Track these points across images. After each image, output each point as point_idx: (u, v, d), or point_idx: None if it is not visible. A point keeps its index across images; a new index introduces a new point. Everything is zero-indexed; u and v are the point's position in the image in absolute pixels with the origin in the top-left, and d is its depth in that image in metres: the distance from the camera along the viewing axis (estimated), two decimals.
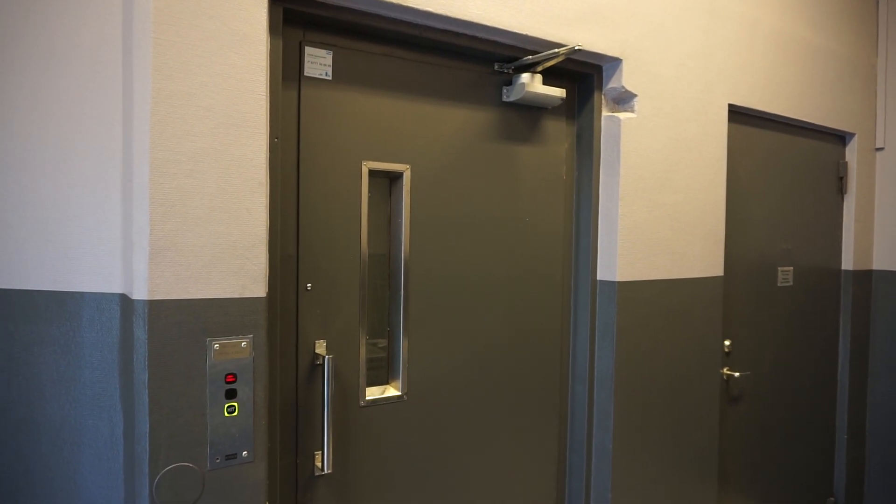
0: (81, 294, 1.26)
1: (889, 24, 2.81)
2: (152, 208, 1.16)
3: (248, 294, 1.27)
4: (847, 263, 2.81)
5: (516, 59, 1.75)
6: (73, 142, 1.25)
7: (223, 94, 1.23)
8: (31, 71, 1.24)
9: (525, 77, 1.73)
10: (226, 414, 1.25)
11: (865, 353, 2.89)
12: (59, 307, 1.26)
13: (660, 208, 1.97)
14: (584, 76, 1.91)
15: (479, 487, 1.82)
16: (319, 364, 1.51)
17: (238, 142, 1.25)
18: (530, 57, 1.72)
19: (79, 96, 1.24)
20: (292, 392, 1.49)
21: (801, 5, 2.45)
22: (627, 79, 1.86)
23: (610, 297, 1.89)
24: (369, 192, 1.59)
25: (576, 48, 1.63)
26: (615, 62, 1.86)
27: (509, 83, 1.79)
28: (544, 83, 1.78)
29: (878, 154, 2.86)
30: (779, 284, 2.56)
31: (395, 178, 1.66)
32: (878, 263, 2.87)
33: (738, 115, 2.30)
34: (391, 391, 1.66)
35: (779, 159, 2.52)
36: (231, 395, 1.26)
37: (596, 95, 1.90)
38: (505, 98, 1.79)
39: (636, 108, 1.89)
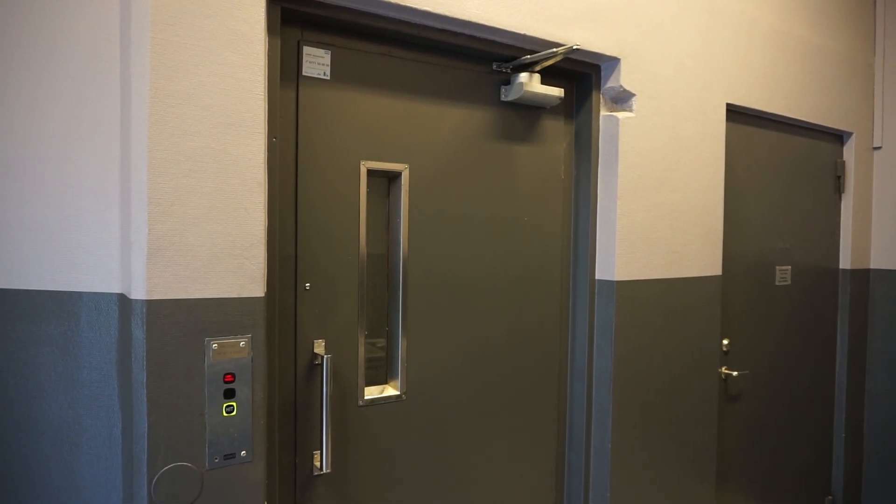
0: (80, 294, 1.26)
1: (886, 23, 2.82)
2: (150, 208, 1.16)
3: (246, 294, 1.27)
4: (845, 262, 2.81)
5: (514, 58, 1.75)
6: (71, 141, 1.25)
7: (221, 94, 1.23)
8: (29, 71, 1.24)
9: (523, 76, 1.73)
10: (224, 413, 1.25)
11: (863, 352, 2.89)
12: (58, 307, 1.26)
13: (658, 208, 1.97)
14: (582, 75, 1.91)
15: (479, 486, 1.82)
16: (318, 364, 1.52)
17: (236, 141, 1.25)
18: (528, 56, 1.72)
19: (77, 96, 1.24)
20: (291, 392, 1.49)
21: (800, 5, 2.46)
22: (626, 78, 1.86)
23: (608, 296, 1.89)
24: (368, 191, 1.59)
25: (574, 47, 1.63)
26: (613, 61, 1.86)
27: (507, 83, 1.79)
28: (542, 83, 1.78)
29: (876, 153, 2.87)
30: (777, 283, 2.57)
31: (393, 177, 1.66)
32: (876, 262, 2.87)
33: (736, 114, 2.30)
34: (390, 391, 1.66)
35: (777, 158, 2.52)
36: (229, 394, 1.26)
37: (594, 95, 1.90)
38: (503, 97, 1.79)
39: (634, 107, 1.89)
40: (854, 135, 2.76)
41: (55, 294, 1.26)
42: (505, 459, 1.87)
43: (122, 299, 1.24)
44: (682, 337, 2.07)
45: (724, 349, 2.36)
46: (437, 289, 1.71)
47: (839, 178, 2.78)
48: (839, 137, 2.79)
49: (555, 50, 1.66)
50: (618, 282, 1.87)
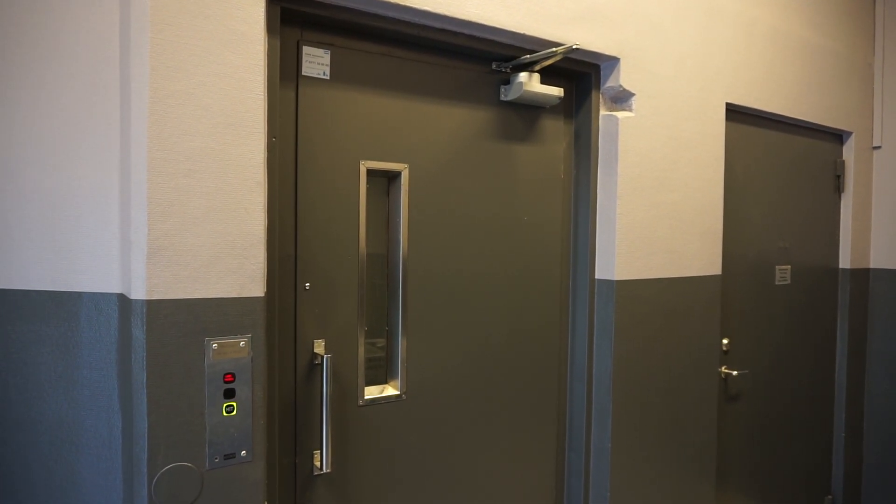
0: (80, 294, 1.26)
1: (886, 22, 2.82)
2: (150, 208, 1.16)
3: (246, 294, 1.27)
4: (844, 262, 2.81)
5: (514, 58, 1.75)
6: (71, 141, 1.25)
7: (221, 94, 1.23)
8: (29, 70, 1.24)
9: (523, 76, 1.73)
10: (224, 413, 1.25)
11: (863, 352, 2.90)
12: (58, 307, 1.26)
13: (658, 207, 1.97)
14: (581, 75, 1.91)
15: (479, 486, 1.82)
16: (318, 363, 1.52)
17: (236, 141, 1.25)
18: (528, 56, 1.72)
19: (77, 96, 1.24)
20: (291, 391, 1.49)
21: (799, 4, 2.46)
22: (625, 78, 1.86)
23: (608, 295, 1.89)
24: (367, 191, 1.59)
25: (573, 47, 1.63)
26: (613, 61, 1.86)
27: (507, 82, 1.79)
28: (542, 82, 1.78)
29: (875, 152, 2.87)
30: (776, 283, 2.57)
31: (393, 177, 1.66)
32: (876, 262, 2.87)
33: (735, 113, 2.30)
34: (390, 390, 1.66)
35: (776, 158, 2.52)
36: (229, 394, 1.26)
37: (594, 94, 1.90)
38: (503, 97, 1.79)
39: (634, 106, 1.89)
40: (854, 134, 2.76)
41: (55, 294, 1.26)
42: (505, 459, 1.87)
43: (122, 299, 1.24)
44: (682, 336, 2.08)
45: (724, 349, 2.36)
46: (437, 288, 1.71)
47: (839, 177, 2.78)
48: (839, 137, 2.79)
49: (554, 49, 1.66)
50: (617, 281, 1.88)
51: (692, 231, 2.08)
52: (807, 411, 2.73)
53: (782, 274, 2.58)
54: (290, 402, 1.49)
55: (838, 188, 2.79)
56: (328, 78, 1.51)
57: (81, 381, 1.26)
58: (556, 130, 1.93)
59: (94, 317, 1.26)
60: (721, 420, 2.34)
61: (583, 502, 1.95)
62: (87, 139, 1.25)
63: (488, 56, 1.74)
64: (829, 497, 2.86)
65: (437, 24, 1.57)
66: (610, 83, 1.88)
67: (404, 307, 1.65)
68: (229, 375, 1.25)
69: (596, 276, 1.93)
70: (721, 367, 2.35)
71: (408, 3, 1.45)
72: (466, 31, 1.62)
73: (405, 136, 1.64)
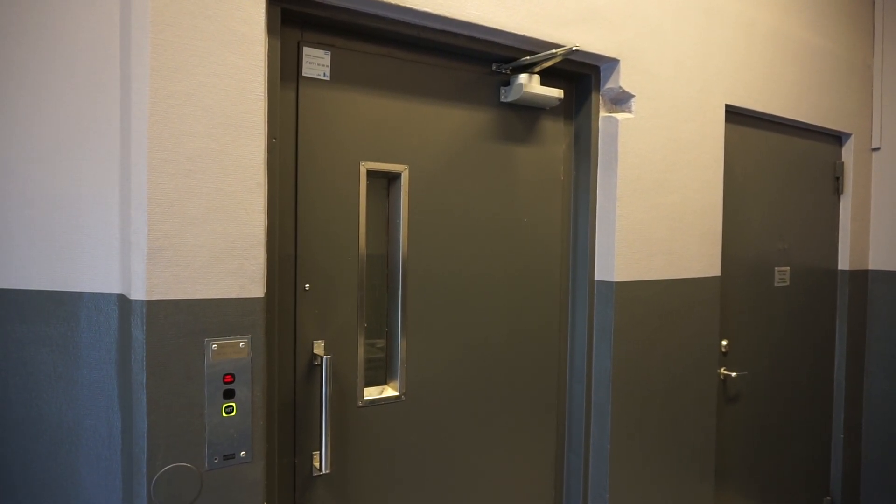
0: (79, 294, 1.26)
1: (885, 24, 2.82)
2: (150, 208, 1.17)
3: (246, 294, 1.28)
4: (843, 263, 2.82)
5: (514, 59, 1.75)
6: (71, 142, 1.25)
7: (221, 95, 1.23)
8: (29, 71, 1.24)
9: (523, 77, 1.73)
10: (224, 414, 1.25)
11: (862, 353, 2.90)
12: (57, 307, 1.26)
13: (657, 208, 1.97)
14: (581, 77, 1.92)
15: (478, 487, 1.82)
16: (318, 364, 1.52)
17: (236, 142, 1.25)
18: (528, 57, 1.72)
19: (77, 96, 1.24)
20: (290, 392, 1.49)
21: (799, 6, 2.46)
22: (625, 79, 1.86)
23: (607, 297, 1.89)
24: (367, 192, 1.59)
25: (573, 49, 1.63)
26: (612, 62, 1.87)
27: (507, 84, 1.79)
28: (542, 84, 1.79)
29: (875, 154, 2.87)
30: (776, 284, 2.57)
31: (393, 178, 1.66)
32: (875, 263, 2.88)
33: (735, 115, 2.30)
34: (389, 391, 1.66)
35: (776, 159, 2.52)
36: (229, 395, 1.26)
37: (593, 96, 1.90)
38: (503, 98, 1.80)
39: (634, 108, 1.90)
40: (853, 136, 2.77)
41: (55, 294, 1.26)
42: (504, 459, 1.87)
43: (122, 300, 1.24)
44: (682, 338, 2.08)
45: (723, 350, 2.37)
46: (437, 289, 1.71)
47: (838, 179, 2.79)
48: (838, 138, 2.79)
49: (554, 51, 1.66)
50: (617, 282, 1.88)
51: (692, 232, 2.08)
52: (806, 412, 2.73)
53: (781, 275, 2.59)
54: (290, 402, 1.49)
55: (837, 190, 2.80)
56: (328, 79, 1.51)
57: (81, 381, 1.26)
58: (555, 132, 1.93)
59: (94, 317, 1.26)
60: (720, 421, 2.34)
61: (582, 503, 1.96)
62: (88, 139, 1.25)
63: (488, 57, 1.75)
64: (828, 498, 2.87)
65: (438, 26, 1.57)
66: (610, 85, 1.88)
67: (404, 308, 1.66)
68: (229, 376, 1.26)
69: (595, 278, 1.93)
70: (720, 369, 2.35)
71: (408, 5, 1.45)
72: (466, 33, 1.62)
73: (405, 137, 1.64)
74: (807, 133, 2.64)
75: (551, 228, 1.94)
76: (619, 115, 1.88)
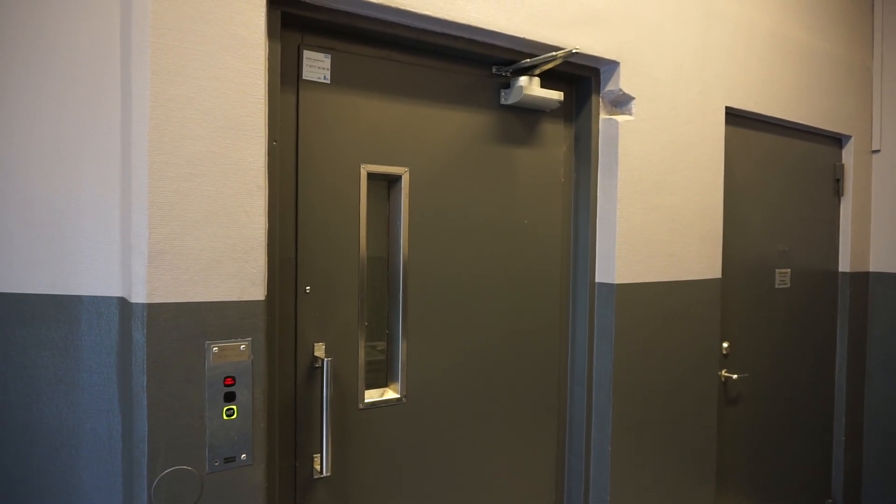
0: (80, 297, 1.26)
1: (884, 26, 2.83)
2: (151, 211, 1.17)
3: (246, 297, 1.28)
4: (844, 265, 2.81)
5: (514, 62, 1.75)
6: (72, 145, 1.25)
7: (221, 98, 1.24)
8: (30, 74, 1.24)
9: (523, 80, 1.73)
10: (224, 417, 1.25)
11: (863, 355, 2.90)
12: (58, 310, 1.26)
13: (657, 210, 1.97)
14: (581, 79, 1.92)
15: (479, 489, 1.82)
16: (318, 367, 1.52)
17: (236, 145, 1.26)
18: (528, 60, 1.72)
19: (78, 100, 1.25)
20: (291, 395, 1.49)
21: (798, 8, 2.47)
22: (625, 81, 1.87)
23: (608, 299, 1.89)
24: (368, 194, 1.60)
25: (573, 51, 1.64)
26: (612, 65, 1.87)
27: (507, 86, 1.80)
28: (542, 86, 1.79)
29: (875, 156, 2.87)
30: (776, 286, 2.57)
31: (393, 181, 1.66)
32: (875, 265, 2.88)
33: (735, 117, 2.31)
34: (390, 394, 1.66)
35: (776, 162, 2.52)
36: (230, 397, 1.26)
37: (594, 98, 1.90)
38: (503, 101, 1.80)
39: (634, 110, 1.90)
40: (853, 138, 2.77)
41: (55, 298, 1.26)
42: (505, 462, 1.87)
43: (123, 303, 1.24)
44: (682, 340, 2.08)
45: (724, 352, 2.36)
46: (438, 292, 1.71)
47: (838, 181, 2.79)
48: (838, 141, 2.79)
49: (554, 54, 1.66)
50: (617, 285, 1.88)
51: (692, 234, 2.08)
52: (807, 414, 2.73)
53: (782, 277, 2.59)
54: (291, 405, 1.49)
55: (838, 192, 2.80)
56: (329, 82, 1.51)
57: (82, 384, 1.26)
58: (556, 134, 1.93)
59: (95, 320, 1.26)
60: (721, 423, 2.34)
61: None
62: (89, 143, 1.25)
63: (488, 60, 1.75)
64: (830, 500, 2.86)
65: (437, 28, 1.57)
66: (610, 87, 1.89)
67: (405, 311, 1.66)
68: (229, 379, 1.26)
69: (596, 280, 1.93)
70: (721, 371, 2.35)
71: (408, 8, 1.45)
72: (466, 35, 1.62)
73: (405, 139, 1.64)
74: (807, 135, 2.64)
75: (552, 230, 1.94)
76: (620, 118, 1.88)
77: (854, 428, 2.87)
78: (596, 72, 1.90)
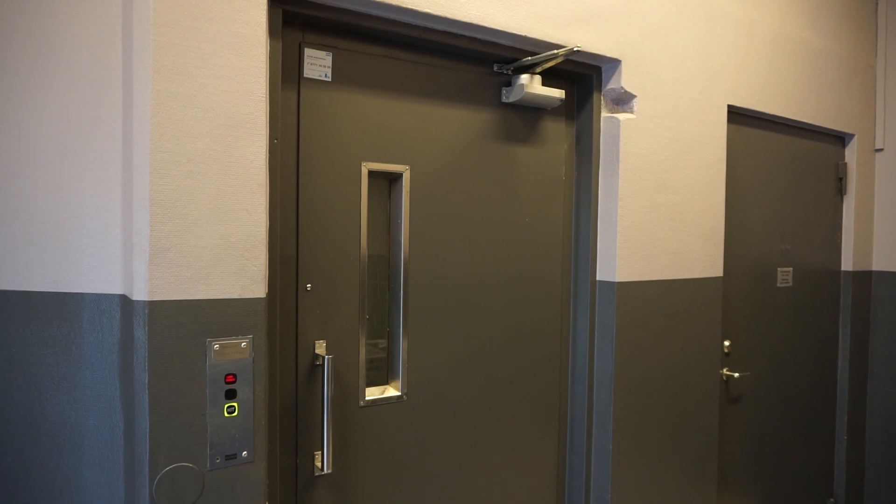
0: (82, 295, 1.26)
1: (888, 25, 2.82)
2: (152, 209, 1.17)
3: (247, 295, 1.28)
4: (847, 264, 2.81)
5: (515, 60, 1.75)
6: (73, 143, 1.25)
7: (223, 96, 1.24)
8: (31, 73, 1.25)
9: (524, 78, 1.73)
10: (226, 414, 1.26)
11: (865, 354, 2.89)
12: (60, 308, 1.26)
13: (659, 209, 1.97)
14: (583, 77, 1.92)
15: (479, 487, 1.82)
16: (319, 364, 1.52)
17: (238, 143, 1.26)
18: (529, 58, 1.72)
19: (79, 98, 1.25)
20: (292, 392, 1.50)
21: (801, 7, 2.46)
22: (627, 80, 1.86)
23: (609, 297, 1.89)
24: (369, 192, 1.60)
25: (575, 49, 1.63)
26: (614, 63, 1.87)
27: (508, 84, 1.80)
28: (543, 84, 1.79)
29: (878, 155, 2.86)
30: (778, 285, 2.56)
31: (394, 178, 1.66)
32: (878, 264, 2.87)
33: (737, 115, 2.30)
34: (391, 391, 1.66)
35: (778, 160, 2.52)
36: (231, 395, 1.26)
37: (595, 96, 1.90)
38: (504, 99, 1.80)
39: (635, 108, 1.90)
40: (856, 137, 2.76)
41: (57, 295, 1.26)
42: (506, 460, 1.87)
43: (124, 300, 1.24)
44: (684, 338, 2.07)
45: (726, 351, 2.36)
46: (438, 290, 1.71)
47: (841, 179, 2.78)
48: (841, 139, 2.78)
49: (556, 52, 1.66)
50: (619, 283, 1.88)
51: (694, 233, 2.08)
52: (809, 413, 2.73)
53: (784, 276, 2.58)
54: (291, 402, 1.50)
55: (840, 190, 2.79)
56: (330, 80, 1.52)
57: (83, 381, 1.27)
58: (557, 132, 1.93)
59: (97, 318, 1.26)
60: (722, 422, 2.33)
61: None
62: (91, 142, 1.25)
63: (489, 58, 1.75)
64: (832, 500, 2.86)
65: (439, 27, 1.57)
66: (611, 85, 1.88)
67: (405, 308, 1.66)
68: (231, 376, 1.26)
69: (597, 278, 1.93)
70: (722, 369, 2.34)
71: (409, 6, 1.45)
72: (468, 34, 1.62)
73: (407, 137, 1.64)
74: (809, 134, 2.64)
75: (553, 229, 1.94)
76: (621, 116, 1.88)
77: (856, 427, 2.87)
78: (597, 70, 1.90)
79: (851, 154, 2.78)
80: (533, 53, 1.73)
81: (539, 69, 1.75)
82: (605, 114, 1.91)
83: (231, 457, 1.27)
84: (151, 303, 1.17)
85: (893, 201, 2.81)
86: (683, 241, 2.05)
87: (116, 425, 1.27)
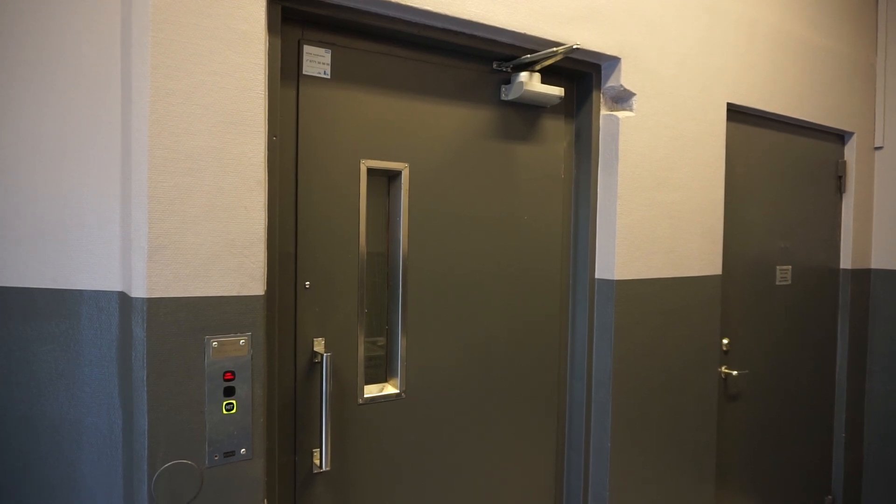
0: (80, 292, 1.26)
1: (888, 23, 2.81)
2: (151, 206, 1.17)
3: (246, 292, 1.28)
4: (845, 262, 2.81)
5: (515, 57, 1.75)
6: (71, 140, 1.25)
7: (222, 93, 1.24)
8: (30, 70, 1.25)
9: (523, 76, 1.73)
10: (224, 411, 1.26)
11: (863, 352, 2.89)
12: (58, 305, 1.26)
13: (658, 207, 1.97)
14: (582, 75, 1.91)
15: (478, 484, 1.82)
16: (318, 362, 1.52)
17: (236, 140, 1.26)
18: (529, 56, 1.72)
19: (78, 95, 1.25)
20: (291, 390, 1.50)
21: (801, 4, 2.45)
22: (626, 77, 1.86)
23: (608, 295, 1.89)
24: (368, 190, 1.60)
25: (574, 47, 1.63)
26: (614, 61, 1.86)
27: (508, 82, 1.79)
28: (543, 82, 1.79)
29: (877, 153, 2.86)
30: (777, 283, 2.56)
31: (393, 176, 1.66)
32: (877, 262, 2.87)
33: (736, 113, 2.30)
34: (389, 389, 1.66)
35: (778, 158, 2.52)
36: (229, 392, 1.26)
37: (594, 94, 1.90)
38: (503, 97, 1.79)
39: (635, 106, 1.89)
40: (855, 135, 2.76)
41: (56, 292, 1.26)
42: (504, 458, 1.87)
43: (123, 297, 1.24)
44: (682, 336, 2.08)
45: (724, 348, 2.36)
46: (437, 287, 1.71)
47: (840, 177, 2.78)
48: (840, 137, 2.78)
49: (555, 49, 1.66)
50: (617, 281, 1.88)
51: (693, 231, 2.08)
52: (807, 411, 2.73)
53: (783, 274, 2.58)
54: (290, 400, 1.50)
55: (840, 188, 2.79)
56: (329, 77, 1.51)
57: (82, 378, 1.27)
58: (556, 130, 1.93)
59: (95, 315, 1.26)
60: (721, 420, 2.34)
61: (582, 501, 1.96)
62: (89, 138, 1.25)
63: (489, 55, 1.75)
64: (830, 497, 2.86)
65: (438, 24, 1.57)
66: (611, 83, 1.88)
67: (404, 306, 1.66)
68: (229, 373, 1.26)
69: (596, 276, 1.93)
70: (721, 367, 2.35)
71: (409, 3, 1.45)
72: (467, 31, 1.62)
73: (406, 135, 1.64)
74: (809, 132, 2.63)
75: (552, 226, 1.94)
76: (620, 114, 1.87)
77: (854, 425, 2.88)
78: (597, 67, 1.90)
79: (851, 152, 2.78)
80: (532, 51, 1.73)
81: (538, 67, 1.75)
82: (604, 112, 1.91)
83: (229, 454, 1.27)
84: (150, 300, 1.17)
85: (892, 199, 2.81)
86: (682, 238, 2.05)
87: (115, 422, 1.27)
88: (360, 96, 1.56)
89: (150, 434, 1.18)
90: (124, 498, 1.27)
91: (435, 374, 1.72)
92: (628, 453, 1.95)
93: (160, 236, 1.18)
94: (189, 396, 1.22)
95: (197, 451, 1.24)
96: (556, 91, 1.76)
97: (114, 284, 1.26)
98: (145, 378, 1.17)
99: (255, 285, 1.29)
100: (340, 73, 1.53)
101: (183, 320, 1.21)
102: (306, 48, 1.48)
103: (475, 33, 1.64)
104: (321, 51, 1.50)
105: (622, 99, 1.92)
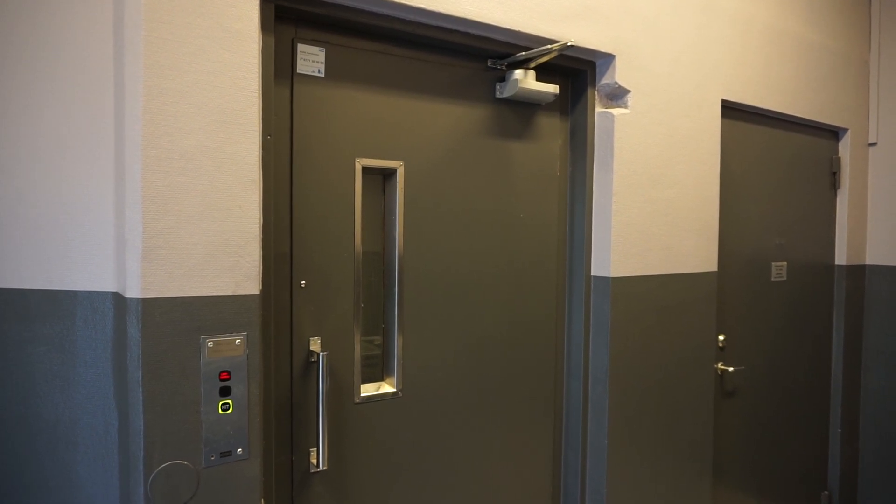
0: (75, 293, 1.26)
1: (881, 19, 2.82)
2: (145, 206, 1.16)
3: (241, 291, 1.28)
4: (840, 258, 2.82)
5: (509, 55, 1.75)
6: (65, 140, 1.25)
7: (215, 92, 1.23)
8: (23, 69, 1.24)
9: (518, 73, 1.73)
10: (220, 411, 1.26)
11: (859, 348, 2.90)
12: (53, 306, 1.26)
13: (653, 204, 1.97)
14: (577, 72, 1.91)
15: (475, 483, 1.82)
16: (314, 361, 1.52)
17: (231, 139, 1.25)
18: (523, 53, 1.72)
19: (71, 94, 1.24)
20: (287, 389, 1.49)
21: (795, 2, 2.46)
22: (621, 75, 1.86)
23: (604, 292, 1.90)
24: (363, 188, 1.59)
25: (568, 44, 1.63)
26: (608, 58, 1.87)
27: (502, 79, 1.79)
28: (537, 79, 1.79)
29: (871, 149, 2.87)
30: (772, 279, 2.57)
31: (388, 174, 1.66)
32: (872, 258, 2.88)
33: (731, 110, 2.30)
34: (386, 388, 1.66)
35: (772, 155, 2.52)
36: (225, 392, 1.26)
37: (589, 91, 1.90)
38: (498, 94, 1.79)
39: (629, 103, 1.90)
40: (849, 131, 2.77)
41: (50, 293, 1.26)
42: (501, 456, 1.87)
43: (118, 298, 1.24)
44: (678, 333, 2.08)
45: (720, 345, 2.37)
46: (433, 286, 1.71)
47: (834, 174, 2.79)
48: (834, 134, 2.79)
49: (549, 47, 1.66)
50: (613, 278, 1.88)
51: (688, 228, 2.09)
52: (803, 407, 2.74)
53: (778, 270, 2.59)
54: (287, 399, 1.49)
55: (834, 185, 2.80)
56: (323, 76, 1.51)
57: (77, 379, 1.27)
58: (551, 127, 1.93)
59: (90, 315, 1.26)
60: (717, 416, 2.34)
61: (579, 499, 1.96)
62: (82, 137, 1.25)
63: (483, 53, 1.74)
64: (826, 493, 2.88)
65: (433, 22, 1.57)
66: (605, 80, 1.88)
67: (400, 304, 1.66)
68: (225, 373, 1.26)
69: (592, 273, 1.93)
70: (717, 364, 2.35)
71: (403, 1, 1.45)
72: (462, 29, 1.62)
73: (400, 133, 1.64)
74: (803, 128, 2.64)
75: (547, 224, 1.94)
76: (615, 111, 1.88)
77: (850, 420, 2.89)
78: (591, 65, 1.90)
79: (845, 148, 2.79)
80: (527, 49, 1.73)
81: (533, 64, 1.75)
82: (599, 109, 1.91)
83: (226, 454, 1.26)
84: (144, 300, 1.17)
85: (886, 195, 2.82)
86: (678, 235, 2.06)
87: (111, 423, 1.27)
88: (354, 95, 1.56)
89: (146, 434, 1.18)
90: (121, 499, 1.27)
91: (431, 372, 1.72)
92: (625, 450, 1.96)
93: (154, 236, 1.18)
94: (185, 396, 1.22)
95: (193, 452, 1.23)
96: (551, 88, 1.76)
97: (108, 285, 1.25)
98: (140, 378, 1.17)
99: (251, 285, 1.29)
100: (335, 71, 1.53)
101: (178, 320, 1.21)
102: (300, 47, 1.47)
103: (470, 31, 1.63)
104: (315, 49, 1.49)
105: (617, 96, 1.92)
